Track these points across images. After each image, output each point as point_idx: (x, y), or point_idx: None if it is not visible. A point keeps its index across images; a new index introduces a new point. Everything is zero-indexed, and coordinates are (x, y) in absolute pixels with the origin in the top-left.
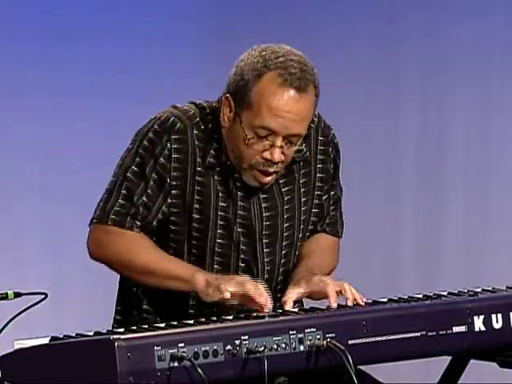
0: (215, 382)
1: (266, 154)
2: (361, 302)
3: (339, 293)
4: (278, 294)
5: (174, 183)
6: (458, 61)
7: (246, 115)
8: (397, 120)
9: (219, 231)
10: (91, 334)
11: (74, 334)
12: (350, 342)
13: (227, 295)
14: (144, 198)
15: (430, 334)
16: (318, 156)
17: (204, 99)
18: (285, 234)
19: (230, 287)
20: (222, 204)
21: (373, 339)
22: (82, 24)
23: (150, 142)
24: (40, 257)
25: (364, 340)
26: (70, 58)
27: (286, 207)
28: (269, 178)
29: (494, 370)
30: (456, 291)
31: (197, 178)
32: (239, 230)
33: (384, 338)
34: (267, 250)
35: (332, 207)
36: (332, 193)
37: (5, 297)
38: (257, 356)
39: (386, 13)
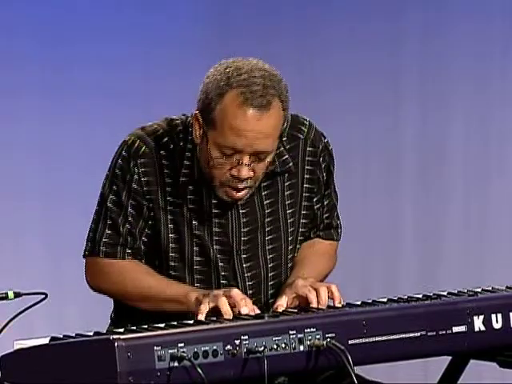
0: (215, 381)
1: (234, 172)
2: (337, 304)
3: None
4: (271, 307)
5: (150, 205)
6: (457, 60)
7: (212, 134)
8: (396, 119)
9: (195, 249)
10: (91, 334)
11: (73, 334)
12: (349, 342)
13: (201, 313)
14: (128, 226)
15: (429, 334)
16: (306, 167)
17: (182, 113)
18: (269, 247)
19: (205, 303)
20: (195, 223)
21: (373, 339)
22: (83, 24)
23: (120, 170)
24: (40, 257)
25: (364, 340)
26: (70, 58)
27: (268, 219)
28: (241, 194)
29: (494, 370)
30: (456, 291)
31: (168, 198)
32: (216, 247)
33: (384, 337)
34: (247, 264)
35: (326, 215)
36: (326, 202)
37: (5, 297)
38: (257, 356)
39: (385, 12)
